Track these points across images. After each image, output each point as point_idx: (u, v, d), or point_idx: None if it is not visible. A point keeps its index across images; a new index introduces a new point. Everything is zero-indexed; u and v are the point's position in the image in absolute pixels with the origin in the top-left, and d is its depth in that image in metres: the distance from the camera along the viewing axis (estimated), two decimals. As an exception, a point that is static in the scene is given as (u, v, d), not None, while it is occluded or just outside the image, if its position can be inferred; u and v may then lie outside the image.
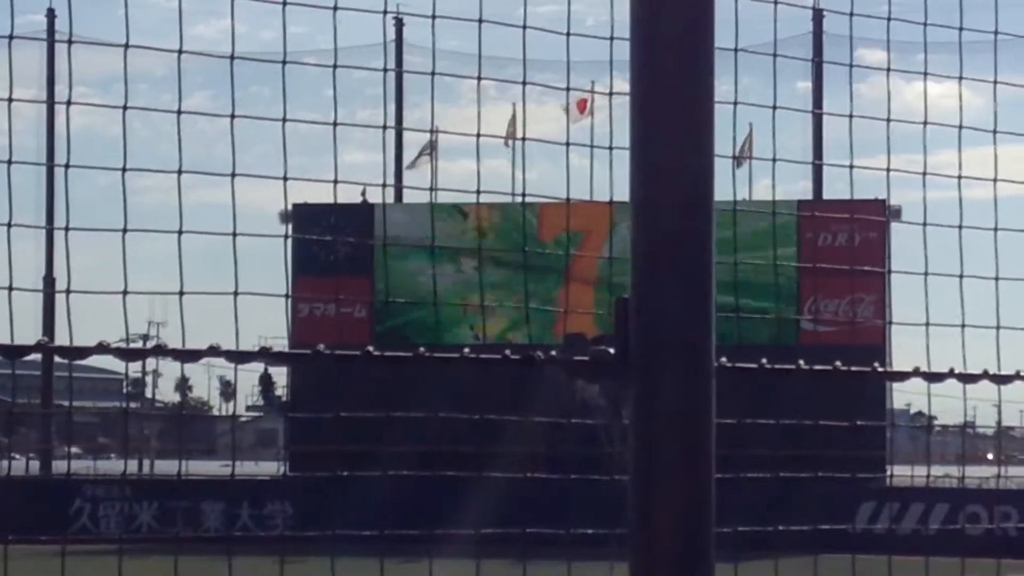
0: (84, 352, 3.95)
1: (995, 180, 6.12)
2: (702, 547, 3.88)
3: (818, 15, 47.71)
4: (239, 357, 4.17)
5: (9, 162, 4.30)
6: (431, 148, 54.35)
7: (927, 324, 5.89)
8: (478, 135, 4.80)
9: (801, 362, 4.57)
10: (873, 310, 44.74)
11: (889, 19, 5.57)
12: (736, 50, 4.82)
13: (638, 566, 3.91)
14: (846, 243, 44.20)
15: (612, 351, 3.90)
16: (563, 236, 40.44)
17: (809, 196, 52.33)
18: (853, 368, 4.75)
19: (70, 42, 4.38)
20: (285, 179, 4.64)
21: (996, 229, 6.08)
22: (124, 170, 4.41)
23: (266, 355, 4.30)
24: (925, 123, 5.84)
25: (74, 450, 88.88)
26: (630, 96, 3.97)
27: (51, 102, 54.47)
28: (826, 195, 52.69)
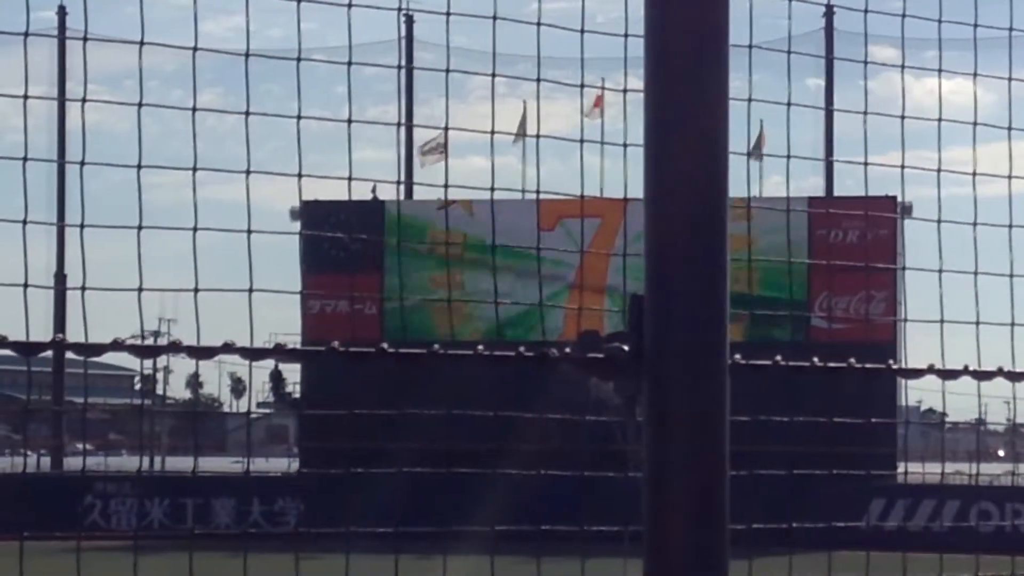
0: (99, 349, 3.95)
1: (1010, 177, 6.12)
2: (716, 544, 3.88)
3: (829, 12, 47.66)
4: (253, 354, 4.16)
5: (24, 159, 4.31)
6: (443, 147, 54.31)
7: (941, 321, 5.89)
8: (492, 132, 4.80)
9: (816, 359, 4.56)
10: (884, 307, 44.71)
11: (904, 16, 5.56)
12: (751, 47, 4.81)
13: (652, 563, 3.91)
14: (857, 240, 44.17)
15: (626, 348, 3.90)
16: (565, 221, 40.38)
17: (820, 193, 52.36)
18: (868, 365, 4.74)
19: (85, 39, 4.38)
20: (300, 176, 4.64)
21: (1011, 226, 6.07)
22: (139, 167, 4.41)
23: (280, 352, 4.30)
24: (940, 120, 5.83)
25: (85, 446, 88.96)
26: (644, 93, 3.96)
27: (63, 99, 54.55)
28: (836, 192, 52.69)
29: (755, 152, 40.53)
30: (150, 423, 79.60)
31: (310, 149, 5.40)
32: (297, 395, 56.43)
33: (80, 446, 76.88)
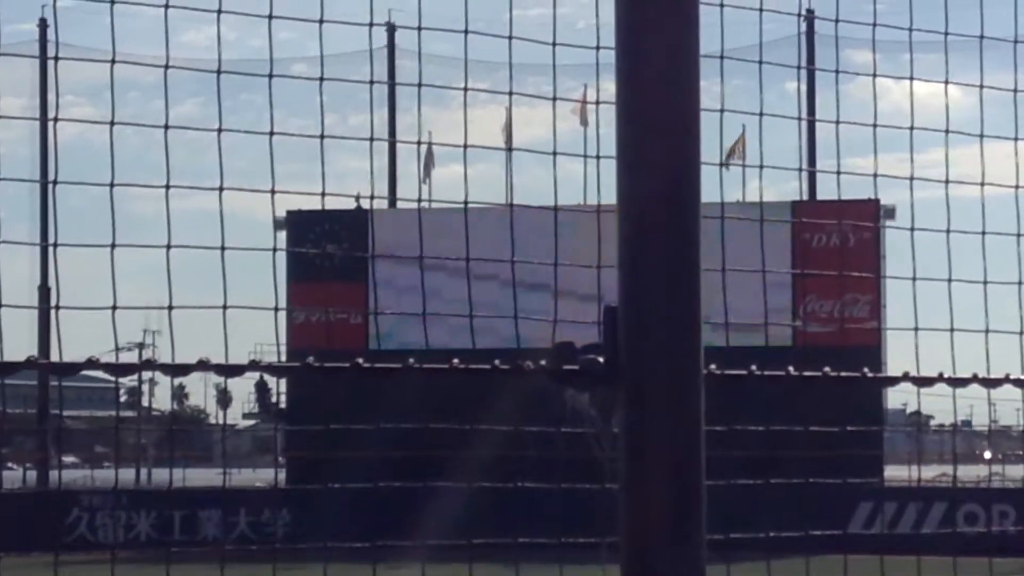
0: (74, 368, 3.96)
1: (982, 184, 6.14)
2: (693, 552, 3.89)
3: (810, 17, 47.74)
4: (229, 371, 4.17)
5: (-2, 179, 4.31)
6: (430, 161, 54.34)
7: (916, 329, 5.90)
8: (465, 146, 4.79)
9: (791, 368, 4.57)
10: (868, 310, 44.78)
11: (875, 24, 5.59)
12: (722, 57, 4.82)
13: (630, 573, 3.92)
14: (840, 243, 44.24)
15: (601, 360, 3.91)
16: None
17: (804, 196, 52.42)
18: (843, 374, 4.75)
19: (57, 58, 4.38)
20: (272, 192, 4.65)
21: (984, 233, 6.09)
22: (112, 185, 4.42)
23: (256, 367, 4.30)
24: (912, 128, 5.86)
25: (71, 460, 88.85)
26: (616, 104, 3.97)
27: (44, 119, 54.41)
28: (820, 194, 52.80)
29: (733, 158, 40.56)
30: (136, 436, 79.46)
31: (292, 158, 5.42)
32: (283, 405, 56.38)
33: (66, 459, 76.67)
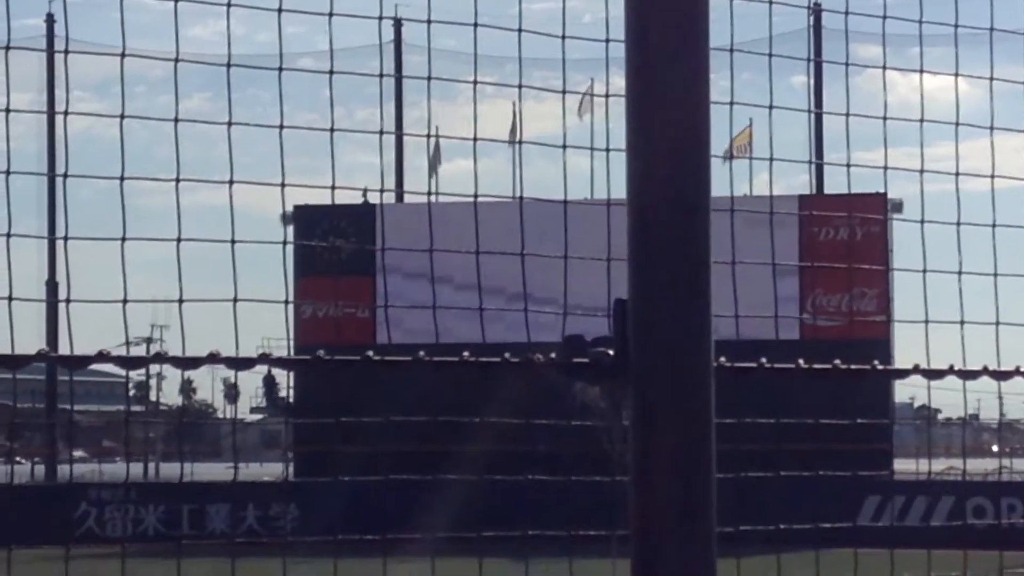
0: (85, 361, 3.96)
1: (992, 176, 6.13)
2: (703, 545, 3.89)
3: (817, 10, 47.68)
4: (239, 364, 4.17)
5: (7, 172, 4.30)
6: (436, 158, 54.42)
7: (926, 321, 5.89)
8: (475, 139, 4.79)
9: (800, 361, 4.57)
10: (876, 304, 44.73)
11: (884, 17, 5.58)
12: (732, 50, 4.82)
13: (640, 565, 3.92)
14: (848, 237, 44.19)
15: (611, 352, 3.91)
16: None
17: (812, 190, 52.41)
18: (853, 367, 4.75)
19: (66, 52, 4.38)
20: (283, 185, 4.65)
21: (994, 225, 6.08)
22: (122, 179, 4.41)
23: (266, 361, 4.30)
24: (922, 120, 5.85)
25: (79, 454, 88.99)
26: (625, 96, 3.97)
27: (52, 112, 54.45)
28: (828, 188, 52.76)
29: (739, 154, 40.56)
30: (144, 430, 79.54)
31: (300, 152, 5.42)
32: (291, 399, 56.49)
33: (75, 453, 76.78)
